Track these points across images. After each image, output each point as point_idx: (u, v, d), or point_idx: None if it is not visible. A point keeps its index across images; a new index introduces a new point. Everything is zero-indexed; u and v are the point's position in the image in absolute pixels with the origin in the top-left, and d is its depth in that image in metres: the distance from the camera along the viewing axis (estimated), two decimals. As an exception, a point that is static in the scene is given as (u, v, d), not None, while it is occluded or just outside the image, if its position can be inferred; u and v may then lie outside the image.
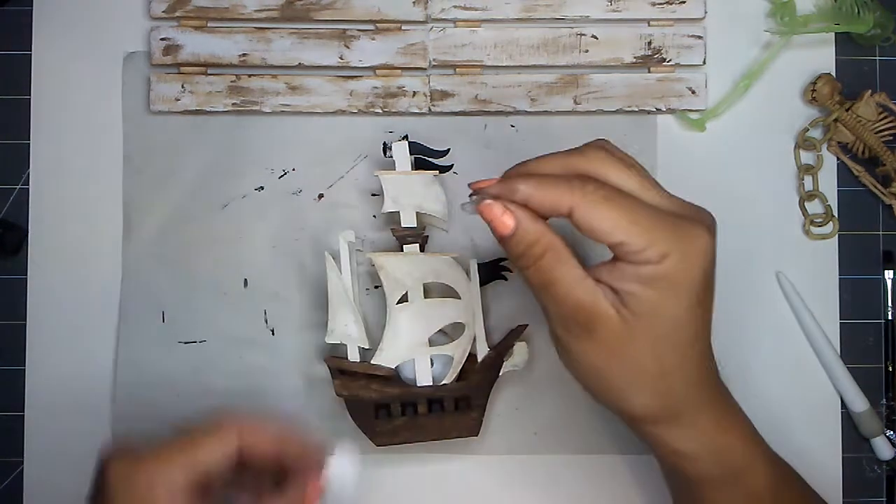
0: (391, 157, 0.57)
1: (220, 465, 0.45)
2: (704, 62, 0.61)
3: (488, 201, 0.43)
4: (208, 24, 0.61)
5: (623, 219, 0.41)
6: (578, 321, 0.43)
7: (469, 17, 0.61)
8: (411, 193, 0.57)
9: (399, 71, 0.61)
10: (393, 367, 0.56)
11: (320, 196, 0.61)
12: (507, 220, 0.42)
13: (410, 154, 0.58)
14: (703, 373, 0.45)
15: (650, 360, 0.43)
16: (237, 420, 0.46)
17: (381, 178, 0.57)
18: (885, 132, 0.60)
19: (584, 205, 0.41)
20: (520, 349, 0.58)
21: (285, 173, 0.61)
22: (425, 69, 0.61)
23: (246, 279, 0.60)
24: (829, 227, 0.61)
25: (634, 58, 0.61)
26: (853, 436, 0.61)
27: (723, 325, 0.61)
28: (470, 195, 0.45)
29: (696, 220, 0.43)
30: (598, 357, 0.43)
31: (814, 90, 0.61)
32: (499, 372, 0.57)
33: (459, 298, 0.57)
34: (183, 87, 0.60)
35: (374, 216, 0.61)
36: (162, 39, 0.60)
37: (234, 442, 0.45)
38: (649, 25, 0.61)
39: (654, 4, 0.61)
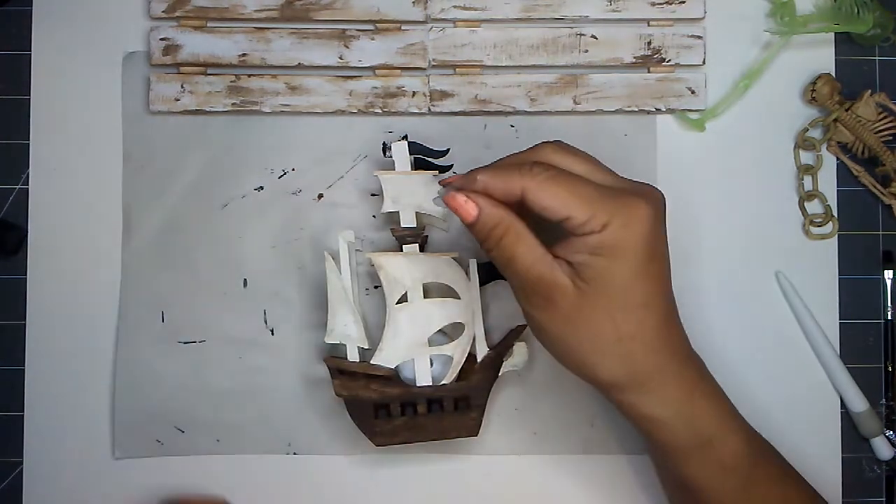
0: (391, 157, 0.57)
1: None
2: (704, 62, 0.61)
3: (452, 192, 0.47)
4: (208, 24, 0.61)
5: (567, 195, 0.45)
6: (539, 292, 0.47)
7: (469, 17, 0.61)
8: (411, 193, 0.57)
9: (399, 71, 0.61)
10: (392, 367, 0.56)
11: (320, 196, 0.61)
12: (469, 207, 0.47)
13: (410, 154, 0.58)
14: (664, 340, 0.48)
15: (607, 324, 0.46)
16: None
17: (380, 178, 0.57)
18: (885, 132, 0.60)
19: (532, 185, 0.46)
20: (519, 349, 0.58)
21: (285, 173, 0.61)
22: (425, 69, 0.61)
23: (246, 279, 0.60)
24: (828, 227, 0.61)
25: (634, 58, 0.61)
26: (853, 436, 0.61)
27: (723, 325, 0.61)
28: (439, 190, 0.50)
29: (637, 193, 0.47)
30: (560, 325, 0.47)
31: (813, 90, 0.61)
32: (498, 372, 0.57)
33: (459, 298, 0.57)
34: (182, 87, 0.60)
35: (374, 216, 0.61)
36: (161, 39, 0.60)
37: None
38: (649, 25, 0.61)
39: (653, 4, 0.61)
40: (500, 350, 0.57)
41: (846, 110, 0.60)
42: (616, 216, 0.45)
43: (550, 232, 0.47)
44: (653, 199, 0.47)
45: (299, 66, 0.61)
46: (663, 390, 0.48)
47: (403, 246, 0.58)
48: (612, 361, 0.47)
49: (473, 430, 0.57)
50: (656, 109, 0.61)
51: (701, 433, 0.49)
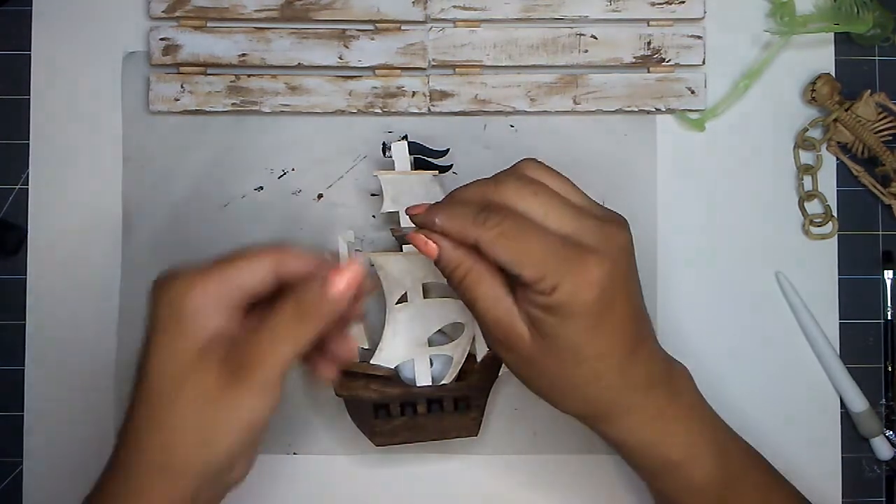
0: (390, 156, 0.57)
1: (255, 284, 0.46)
2: (704, 62, 0.61)
3: (413, 233, 0.48)
4: (208, 24, 0.61)
5: (517, 254, 0.44)
6: (498, 336, 0.47)
7: (468, 17, 0.61)
8: (411, 193, 0.57)
9: (398, 71, 0.61)
10: (392, 367, 0.56)
11: (320, 196, 0.61)
12: (430, 249, 0.47)
13: (410, 154, 0.58)
14: (623, 380, 0.47)
15: (561, 375, 0.47)
16: (272, 247, 0.47)
17: (380, 177, 0.57)
18: (885, 132, 0.60)
19: (484, 240, 0.45)
20: (519, 349, 0.58)
21: (285, 173, 0.61)
22: (425, 69, 0.61)
23: (245, 279, 0.60)
24: (828, 227, 0.61)
25: (634, 58, 0.61)
26: (853, 436, 0.61)
27: (723, 325, 0.61)
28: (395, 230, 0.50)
29: (591, 250, 0.45)
30: (519, 367, 0.48)
31: (813, 90, 0.61)
32: (498, 372, 0.57)
33: (459, 298, 0.57)
34: (182, 87, 0.60)
35: (374, 216, 0.61)
36: (161, 39, 0.60)
37: (268, 265, 0.46)
38: (649, 25, 0.61)
39: (653, 4, 0.61)
40: (500, 350, 0.57)
41: (846, 110, 0.60)
42: (566, 278, 0.44)
43: None
44: (608, 251, 0.46)
45: (299, 66, 0.61)
46: (626, 420, 0.48)
47: (403, 246, 0.58)
48: (572, 402, 0.48)
49: (473, 430, 0.57)
50: (656, 109, 0.61)
51: (666, 458, 0.49)
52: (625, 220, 0.48)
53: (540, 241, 0.45)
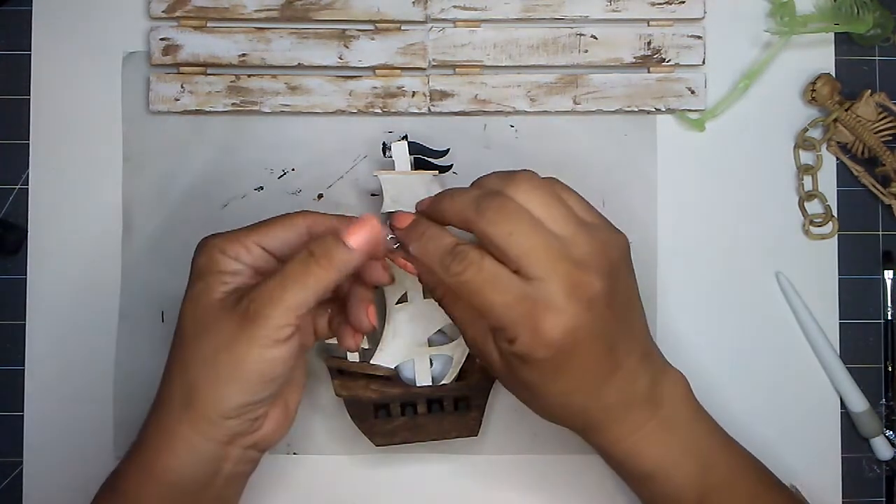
0: (391, 156, 0.57)
1: (290, 245, 0.49)
2: (704, 62, 0.61)
3: (394, 256, 0.50)
4: (208, 24, 0.61)
5: (480, 304, 0.45)
6: (474, 353, 0.50)
7: (468, 17, 0.61)
8: (411, 193, 0.57)
9: (399, 71, 0.61)
10: (392, 368, 0.56)
11: (320, 196, 0.61)
12: (409, 269, 0.50)
13: (410, 154, 0.57)
14: (599, 402, 0.48)
15: (532, 398, 0.49)
16: (307, 213, 0.50)
17: (380, 177, 0.57)
18: (885, 132, 0.60)
19: (452, 284, 0.46)
20: (519, 349, 0.58)
21: (285, 173, 0.61)
22: (425, 69, 0.61)
23: (246, 279, 0.60)
24: (828, 227, 0.61)
25: (634, 58, 0.61)
26: (853, 436, 0.61)
27: (723, 326, 0.61)
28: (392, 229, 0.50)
29: (557, 293, 0.44)
30: (498, 378, 0.50)
31: (813, 90, 0.61)
32: (498, 372, 0.57)
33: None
34: (182, 87, 0.60)
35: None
36: (161, 39, 0.60)
37: (302, 227, 0.49)
38: (649, 25, 0.61)
39: (653, 4, 0.61)
40: (500, 350, 0.57)
41: (846, 110, 0.60)
42: (524, 330, 0.45)
43: None
44: (599, 263, 0.46)
45: (299, 66, 0.61)
46: (602, 434, 0.50)
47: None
48: (549, 416, 0.50)
49: (473, 430, 0.57)
50: (656, 109, 0.61)
51: (642, 469, 0.50)
52: (622, 234, 0.48)
53: (500, 291, 0.45)
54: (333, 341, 0.57)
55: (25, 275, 0.60)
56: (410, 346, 0.56)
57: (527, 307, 0.44)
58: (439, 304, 0.50)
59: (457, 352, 0.57)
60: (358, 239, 0.47)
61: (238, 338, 0.46)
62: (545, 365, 0.46)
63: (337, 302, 0.52)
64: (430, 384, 0.56)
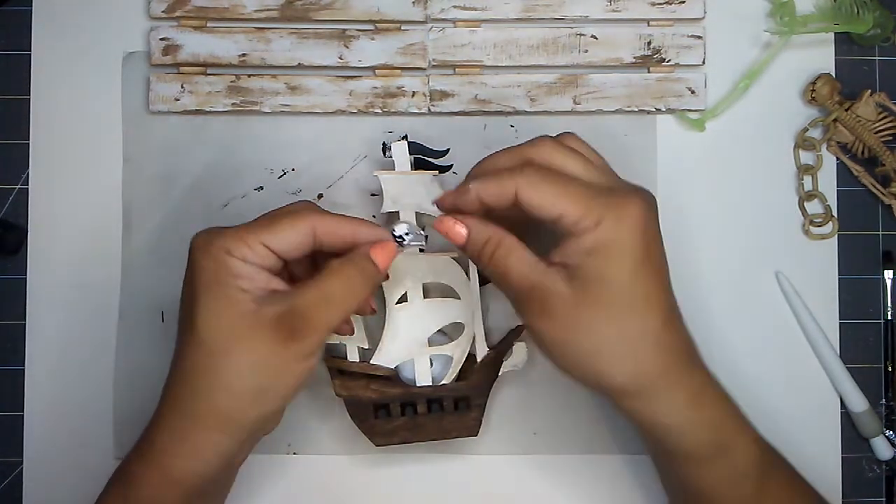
0: (391, 157, 0.57)
1: (295, 246, 0.48)
2: (704, 62, 0.61)
3: (441, 217, 0.49)
4: (208, 24, 0.61)
5: (559, 193, 0.45)
6: (535, 301, 0.46)
7: (469, 17, 0.61)
8: (411, 193, 0.57)
9: (399, 71, 0.61)
10: (392, 367, 0.56)
11: (320, 196, 0.61)
12: (459, 229, 0.48)
13: (410, 154, 0.57)
14: (669, 340, 0.47)
15: (608, 326, 0.45)
16: (313, 209, 0.50)
17: (380, 177, 0.57)
18: (885, 132, 0.60)
19: (524, 185, 0.45)
20: (519, 349, 0.58)
21: (285, 173, 0.61)
22: (425, 69, 0.61)
23: (246, 279, 0.60)
24: (828, 227, 0.61)
25: (634, 58, 0.61)
26: (853, 436, 0.61)
27: (723, 326, 0.61)
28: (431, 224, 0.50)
29: (630, 192, 0.46)
30: (560, 333, 0.46)
31: (813, 90, 0.61)
32: (498, 372, 0.57)
33: (459, 298, 0.57)
34: (182, 87, 0.60)
35: (374, 216, 0.61)
36: (161, 39, 0.60)
37: (308, 227, 0.48)
38: (649, 25, 0.61)
39: (653, 4, 0.61)
40: (500, 350, 0.57)
41: (846, 110, 0.60)
42: (609, 212, 0.45)
43: (546, 242, 0.47)
44: (646, 198, 0.47)
45: (299, 66, 0.61)
46: (672, 395, 0.47)
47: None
48: (617, 365, 0.46)
49: (473, 430, 0.57)
50: (656, 109, 0.61)
51: (714, 439, 0.48)
52: (652, 194, 0.48)
53: (579, 183, 0.46)
54: (333, 341, 0.57)
55: (25, 275, 0.60)
56: (410, 346, 0.56)
57: (609, 193, 0.45)
58: (491, 263, 0.47)
59: (457, 352, 0.57)
60: (385, 262, 0.48)
61: (279, 353, 0.46)
62: (631, 251, 0.44)
63: None
64: (430, 384, 0.56)
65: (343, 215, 0.50)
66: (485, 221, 0.48)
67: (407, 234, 0.51)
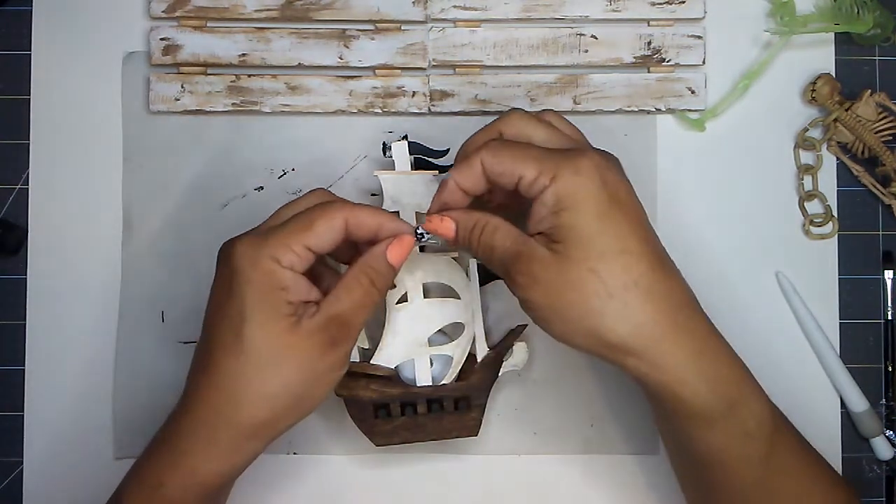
0: (391, 156, 0.57)
1: (332, 243, 0.49)
2: (704, 62, 0.61)
3: (427, 218, 0.50)
4: (208, 24, 0.61)
5: (516, 157, 0.47)
6: (522, 271, 0.47)
7: (469, 17, 0.61)
8: (411, 193, 0.57)
9: (399, 71, 0.61)
10: (392, 367, 0.56)
11: (320, 196, 0.61)
12: (447, 224, 0.49)
13: (410, 154, 0.57)
14: (662, 288, 0.46)
15: (593, 281, 0.45)
16: (337, 200, 0.50)
17: (380, 177, 0.57)
18: (885, 132, 0.60)
19: (487, 157, 0.47)
20: (519, 349, 0.58)
21: (285, 173, 0.61)
22: (425, 69, 0.61)
23: (246, 279, 0.60)
24: (828, 227, 0.61)
25: (634, 58, 0.61)
26: (853, 436, 0.61)
27: (723, 325, 0.61)
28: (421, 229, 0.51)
29: (586, 149, 0.48)
30: (552, 297, 0.46)
31: (813, 90, 0.61)
32: (498, 372, 0.57)
33: (459, 298, 0.57)
34: (182, 87, 0.60)
35: (374, 216, 0.61)
36: (161, 39, 0.60)
37: (342, 222, 0.49)
38: (649, 25, 0.61)
39: (653, 4, 0.61)
40: (500, 350, 0.57)
41: (846, 110, 0.60)
42: (564, 167, 0.46)
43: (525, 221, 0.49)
44: (602, 153, 0.48)
45: (299, 66, 0.61)
46: (675, 347, 0.46)
47: (403, 246, 0.58)
48: (611, 319, 0.45)
49: (473, 430, 0.57)
50: (656, 109, 0.61)
51: (723, 396, 0.47)
52: (613, 155, 0.49)
53: (538, 147, 0.48)
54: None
55: (25, 275, 0.60)
56: (410, 346, 0.56)
57: (564, 150, 0.47)
58: (480, 244, 0.49)
59: (457, 352, 0.57)
60: (399, 259, 0.49)
61: (320, 362, 0.48)
62: (594, 199, 0.45)
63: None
64: (430, 384, 0.56)
65: (367, 206, 0.50)
66: (469, 210, 0.49)
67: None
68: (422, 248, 0.58)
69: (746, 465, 0.48)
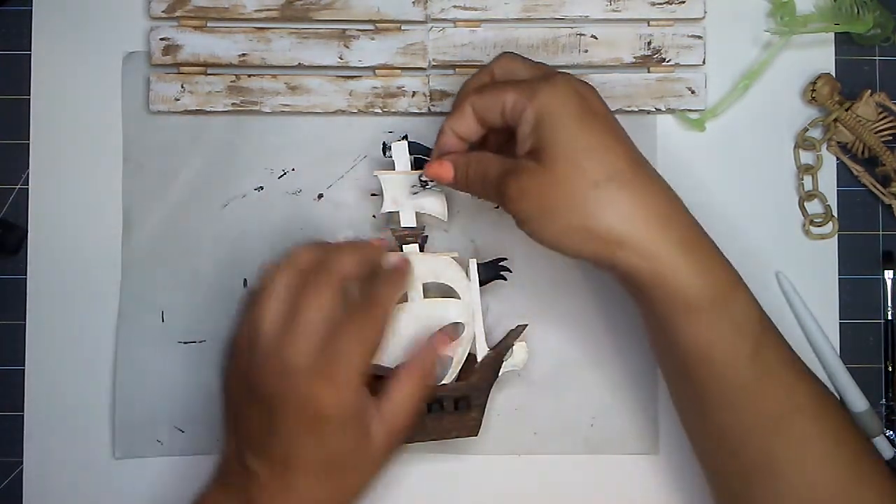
0: (391, 157, 0.57)
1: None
2: (704, 62, 0.61)
3: (426, 164, 0.53)
4: (208, 24, 0.61)
5: (499, 90, 0.50)
6: (511, 187, 0.49)
7: (469, 17, 0.61)
8: (411, 193, 0.57)
9: (399, 71, 0.61)
10: (392, 367, 0.56)
11: (320, 196, 0.61)
12: (445, 168, 0.52)
13: (410, 154, 0.57)
14: (646, 179, 0.49)
15: (576, 180, 0.47)
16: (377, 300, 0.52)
17: (380, 178, 0.57)
18: (885, 132, 0.60)
19: (475, 99, 0.51)
20: (520, 349, 0.58)
21: (285, 173, 0.61)
22: (425, 69, 0.61)
23: (246, 279, 0.60)
24: (828, 227, 0.61)
25: (634, 58, 0.61)
26: (853, 436, 0.61)
27: (722, 325, 0.61)
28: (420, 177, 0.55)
29: (563, 73, 0.50)
30: (541, 205, 0.48)
31: (813, 90, 0.61)
32: (498, 372, 0.57)
33: (459, 298, 0.57)
34: (182, 87, 0.60)
35: (374, 216, 0.61)
36: (162, 39, 0.60)
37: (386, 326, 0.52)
38: (649, 25, 0.61)
39: (653, 4, 0.61)
40: (500, 350, 0.57)
41: (846, 110, 0.60)
42: (541, 87, 0.49)
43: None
44: (578, 79, 0.50)
45: (299, 66, 0.61)
46: (666, 237, 0.47)
47: (403, 246, 0.58)
48: (599, 209, 0.47)
49: (473, 430, 0.57)
50: (656, 109, 0.61)
51: (712, 287, 0.48)
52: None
53: (519, 81, 0.51)
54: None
55: (25, 275, 0.60)
56: (410, 347, 0.56)
57: (540, 77, 0.50)
58: (474, 179, 0.51)
59: (457, 352, 0.56)
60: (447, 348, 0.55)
61: (373, 421, 0.50)
62: (571, 109, 0.48)
63: None
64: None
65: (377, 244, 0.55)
66: (462, 153, 0.52)
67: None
68: (421, 248, 0.58)
69: (733, 361, 0.48)
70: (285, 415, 0.47)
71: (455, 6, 0.61)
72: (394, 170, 0.57)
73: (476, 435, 0.57)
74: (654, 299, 0.48)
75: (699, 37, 0.61)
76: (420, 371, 0.52)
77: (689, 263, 0.47)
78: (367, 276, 0.52)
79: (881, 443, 0.60)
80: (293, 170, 0.61)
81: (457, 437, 0.57)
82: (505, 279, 0.59)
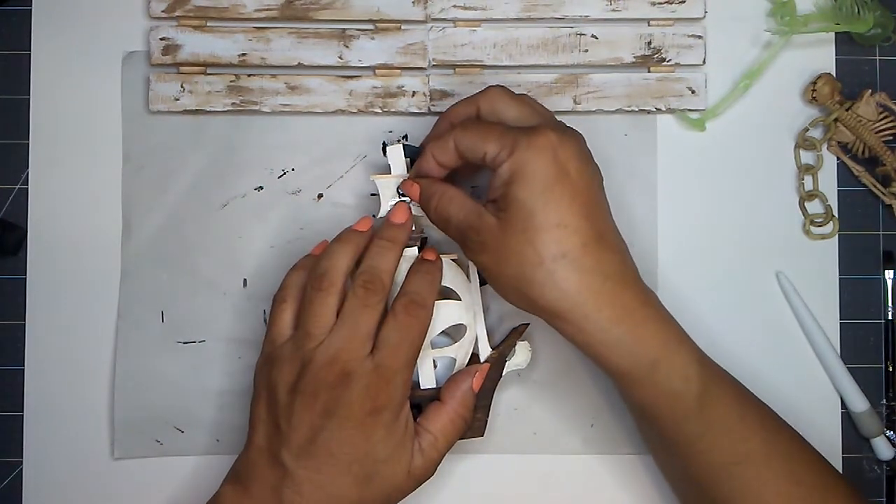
0: (390, 158, 0.57)
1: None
2: (704, 62, 0.61)
3: (403, 181, 0.55)
4: (207, 24, 0.61)
5: (483, 133, 0.51)
6: (472, 237, 0.51)
7: (469, 16, 0.61)
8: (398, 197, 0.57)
9: (398, 71, 0.61)
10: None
11: (319, 196, 0.61)
12: (415, 188, 0.54)
13: (406, 157, 0.57)
14: (593, 261, 0.49)
15: (528, 249, 0.49)
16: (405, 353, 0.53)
17: (376, 181, 0.57)
18: (885, 132, 0.60)
19: (458, 135, 0.51)
20: (522, 349, 0.58)
21: (284, 173, 0.61)
22: (425, 69, 0.61)
23: (245, 279, 0.60)
24: (829, 227, 0.61)
25: (634, 57, 0.61)
26: (853, 436, 0.61)
27: (723, 326, 0.61)
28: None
29: (548, 125, 0.51)
30: (495, 262, 0.50)
31: (814, 90, 0.61)
32: (502, 372, 0.57)
33: (460, 300, 0.57)
34: (182, 86, 0.60)
35: (374, 216, 0.60)
36: (161, 39, 0.60)
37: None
38: (649, 25, 0.61)
39: (653, 4, 0.61)
40: (502, 350, 0.57)
41: (846, 110, 0.60)
42: (522, 141, 0.49)
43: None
44: (562, 130, 0.50)
45: (299, 66, 0.61)
46: (598, 314, 0.49)
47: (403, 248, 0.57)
48: (540, 286, 0.49)
49: (479, 431, 0.57)
50: (656, 109, 0.61)
51: (645, 357, 0.50)
52: (577, 131, 0.52)
53: (502, 125, 0.51)
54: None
55: (25, 275, 0.60)
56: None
57: (526, 129, 0.50)
58: (437, 212, 0.52)
59: (460, 353, 0.56)
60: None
61: (412, 440, 0.53)
62: (542, 176, 0.48)
63: None
64: (434, 386, 0.56)
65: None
66: (434, 180, 0.53)
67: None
68: (420, 250, 0.58)
69: (681, 419, 0.51)
70: (342, 413, 0.50)
71: (455, 6, 0.61)
72: (389, 173, 0.57)
73: (482, 435, 0.57)
74: (596, 363, 0.51)
75: (699, 37, 0.61)
76: (462, 417, 0.54)
77: (621, 338, 0.49)
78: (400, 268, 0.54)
79: (881, 443, 0.60)
80: (293, 170, 0.61)
81: (461, 439, 0.57)
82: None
